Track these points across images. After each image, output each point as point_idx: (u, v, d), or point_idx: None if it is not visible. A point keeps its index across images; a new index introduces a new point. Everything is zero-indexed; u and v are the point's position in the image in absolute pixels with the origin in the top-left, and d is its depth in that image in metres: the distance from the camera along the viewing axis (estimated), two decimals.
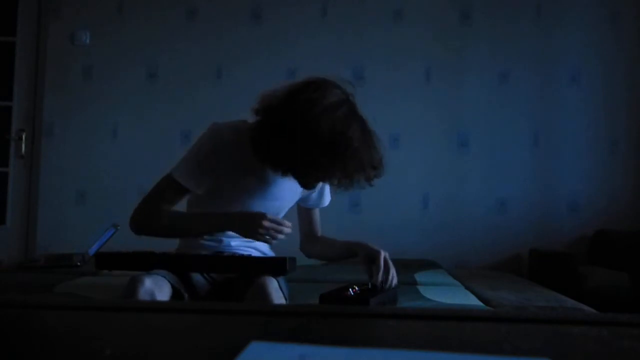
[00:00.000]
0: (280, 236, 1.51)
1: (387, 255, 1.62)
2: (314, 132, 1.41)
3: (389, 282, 1.59)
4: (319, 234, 1.88)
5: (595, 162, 3.28)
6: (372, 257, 1.60)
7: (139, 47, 3.45)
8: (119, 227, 2.47)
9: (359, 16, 3.39)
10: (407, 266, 2.64)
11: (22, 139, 3.48)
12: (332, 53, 3.33)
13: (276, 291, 1.45)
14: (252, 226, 1.50)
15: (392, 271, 1.60)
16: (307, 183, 1.58)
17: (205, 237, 1.70)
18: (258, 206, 1.65)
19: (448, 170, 3.33)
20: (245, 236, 1.57)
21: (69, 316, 0.65)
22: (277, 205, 1.72)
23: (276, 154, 1.48)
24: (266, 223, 1.48)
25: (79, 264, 2.46)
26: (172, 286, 1.45)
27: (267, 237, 1.50)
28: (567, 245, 3.22)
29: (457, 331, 0.59)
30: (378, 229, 3.22)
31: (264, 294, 1.42)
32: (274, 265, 1.50)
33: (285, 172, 1.53)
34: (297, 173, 1.52)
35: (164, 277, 1.45)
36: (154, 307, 0.78)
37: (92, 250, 2.49)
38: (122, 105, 3.44)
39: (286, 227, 1.51)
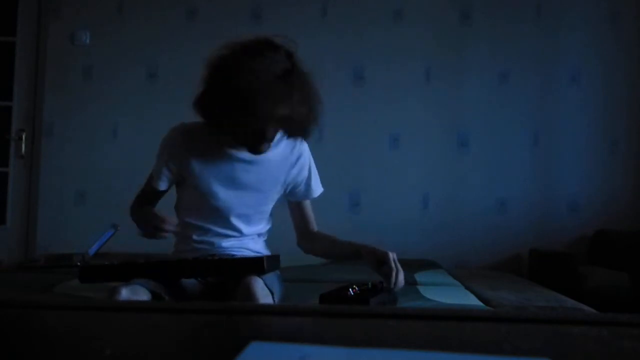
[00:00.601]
0: (160, 233, 1.53)
1: (394, 255, 1.62)
2: (230, 80, 1.51)
3: (400, 283, 1.59)
4: (315, 229, 1.86)
5: (595, 162, 3.28)
6: (381, 260, 1.60)
7: (139, 47, 3.45)
8: (118, 227, 2.47)
9: (359, 16, 3.39)
10: (407, 266, 2.63)
11: (22, 139, 3.48)
12: (332, 53, 3.33)
13: (262, 289, 1.45)
14: (142, 223, 1.59)
15: (402, 272, 1.60)
16: (248, 143, 1.60)
17: (196, 239, 1.72)
18: (236, 198, 1.68)
19: (448, 170, 3.32)
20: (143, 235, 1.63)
21: (69, 316, 0.65)
22: (259, 196, 1.72)
23: (209, 109, 1.57)
24: (153, 219, 1.55)
25: (79, 264, 2.46)
26: (151, 291, 1.46)
27: (149, 233, 1.56)
28: (567, 245, 3.22)
29: (457, 331, 0.59)
30: (378, 229, 3.22)
31: (250, 293, 1.42)
32: (252, 265, 1.50)
33: (222, 132, 1.60)
34: (231, 132, 1.58)
35: (142, 284, 1.46)
36: (154, 307, 0.78)
37: (92, 250, 2.49)
38: (122, 105, 3.44)
39: (169, 222, 1.53)
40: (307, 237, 1.85)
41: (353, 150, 3.32)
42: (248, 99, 1.48)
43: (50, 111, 3.46)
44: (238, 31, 3.39)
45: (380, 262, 1.60)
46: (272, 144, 1.63)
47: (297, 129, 1.64)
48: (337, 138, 3.30)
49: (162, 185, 1.73)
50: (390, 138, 3.33)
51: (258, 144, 1.59)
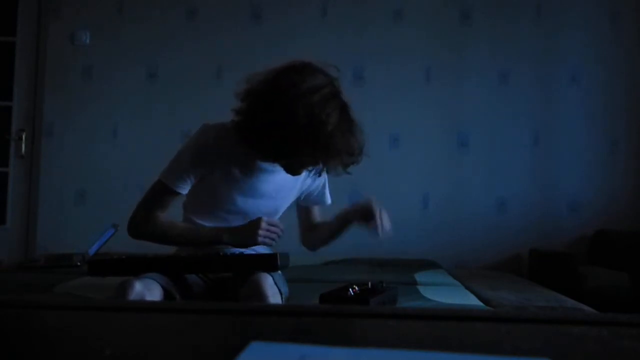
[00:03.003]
0: (277, 238, 1.58)
1: (376, 202, 1.64)
2: (290, 114, 1.43)
3: (387, 227, 1.61)
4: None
5: (595, 162, 3.28)
6: (368, 215, 1.62)
7: (139, 47, 3.45)
8: (118, 227, 2.47)
9: (359, 16, 3.39)
10: (407, 266, 2.64)
11: (22, 139, 3.48)
12: (332, 53, 3.32)
13: (271, 287, 1.45)
14: (251, 233, 1.56)
15: (385, 215, 1.63)
16: (290, 168, 1.59)
17: None
18: (253, 205, 1.67)
19: (448, 170, 3.32)
20: (245, 246, 1.61)
21: (69, 316, 0.65)
22: (274, 204, 1.72)
23: (258, 138, 1.51)
24: (264, 225, 1.55)
25: (79, 264, 2.46)
26: (163, 287, 1.46)
27: (268, 239, 1.56)
28: (567, 245, 3.22)
29: (457, 331, 0.59)
30: None
31: (259, 290, 1.42)
32: (265, 262, 1.50)
33: (267, 157, 1.56)
34: (278, 157, 1.54)
35: (154, 279, 1.45)
36: (154, 307, 0.78)
37: (92, 250, 2.49)
38: (122, 105, 3.44)
39: (280, 227, 1.58)
40: (309, 232, 1.87)
41: None
42: (320, 133, 1.43)
43: (50, 111, 3.46)
44: (238, 31, 3.41)
45: (369, 217, 1.62)
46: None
47: (347, 163, 1.58)
48: None
49: (184, 189, 1.63)
50: (390, 138, 3.33)
51: (301, 170, 1.59)
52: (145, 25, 3.45)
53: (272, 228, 1.57)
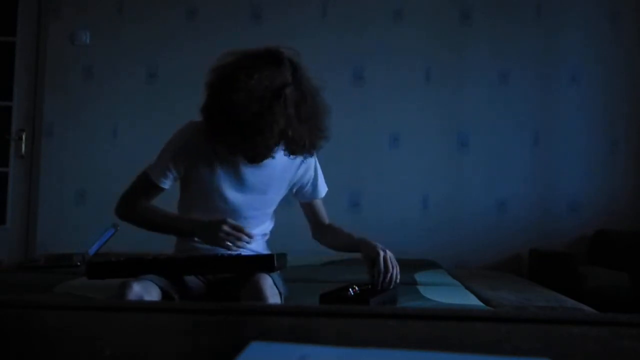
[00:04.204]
0: (241, 244, 1.54)
1: (389, 254, 1.62)
2: (234, 108, 1.47)
3: (392, 283, 1.59)
4: (327, 221, 1.89)
5: (595, 162, 3.28)
6: (372, 258, 1.61)
7: (139, 47, 3.45)
8: (118, 227, 2.47)
9: (359, 16, 3.39)
10: (407, 266, 2.64)
11: (22, 139, 3.48)
12: (332, 53, 3.33)
13: (271, 288, 1.45)
14: (212, 232, 1.54)
15: (395, 271, 1.60)
16: (251, 157, 1.60)
17: (197, 240, 1.71)
18: (244, 200, 1.68)
19: (448, 170, 3.32)
20: (208, 243, 1.60)
21: (69, 316, 0.65)
22: (265, 198, 1.72)
23: (213, 132, 1.55)
24: (225, 228, 1.52)
25: (79, 264, 2.46)
26: (162, 289, 1.46)
27: (228, 243, 1.53)
28: (567, 245, 3.22)
29: (457, 331, 0.59)
30: (378, 229, 3.22)
31: (258, 291, 1.42)
32: (262, 263, 1.50)
33: (230, 148, 1.58)
34: (235, 146, 1.57)
35: (152, 281, 1.46)
36: (154, 307, 0.78)
37: (92, 250, 2.49)
38: (122, 105, 3.44)
39: (245, 235, 1.53)
40: (320, 231, 1.88)
41: (353, 150, 3.32)
42: (240, 117, 1.47)
43: (50, 111, 3.46)
44: (238, 31, 3.40)
45: (372, 260, 1.60)
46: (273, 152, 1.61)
47: (295, 147, 1.59)
48: (337, 138, 3.28)
49: (166, 184, 1.68)
50: (390, 138, 3.33)
51: (252, 157, 1.60)
52: (145, 25, 3.45)
53: (235, 233, 1.52)
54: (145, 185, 1.69)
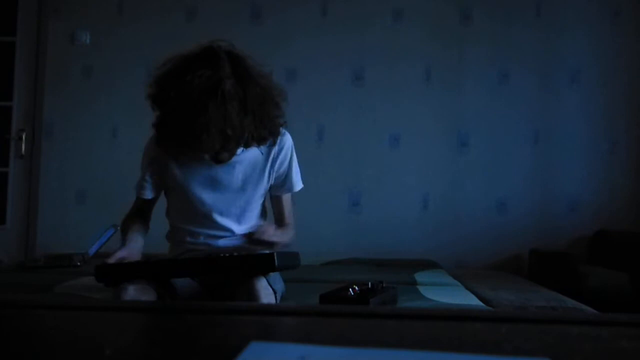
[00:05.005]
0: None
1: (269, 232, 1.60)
2: (174, 109, 1.55)
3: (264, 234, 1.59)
4: (288, 222, 1.83)
5: (595, 162, 3.28)
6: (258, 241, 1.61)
7: (139, 47, 3.45)
8: (118, 227, 2.47)
9: (359, 16, 3.39)
10: (407, 266, 2.64)
11: (22, 139, 3.47)
12: (332, 53, 3.33)
13: (265, 289, 1.44)
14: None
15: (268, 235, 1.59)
16: (215, 158, 1.61)
17: (190, 242, 1.73)
18: (223, 201, 1.68)
19: (448, 170, 3.32)
20: None
21: (69, 316, 0.65)
22: (244, 197, 1.71)
23: (162, 138, 1.64)
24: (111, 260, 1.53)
25: (79, 264, 2.46)
26: (157, 292, 1.46)
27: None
28: (567, 245, 3.22)
29: (457, 331, 0.59)
30: (378, 229, 3.22)
31: (252, 291, 1.42)
32: (263, 262, 1.44)
33: (185, 153, 1.62)
34: (187, 151, 1.60)
35: (148, 283, 1.46)
36: (154, 307, 0.78)
37: (92, 250, 2.49)
38: (122, 105, 3.44)
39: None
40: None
41: (353, 150, 3.32)
42: (178, 123, 1.52)
43: (50, 111, 3.46)
44: (238, 31, 3.40)
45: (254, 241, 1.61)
46: (238, 149, 1.60)
47: (250, 139, 1.58)
48: (337, 138, 3.31)
49: (147, 194, 1.73)
50: (390, 138, 3.33)
51: (215, 158, 1.61)
52: (145, 25, 3.45)
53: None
54: (137, 201, 1.78)
